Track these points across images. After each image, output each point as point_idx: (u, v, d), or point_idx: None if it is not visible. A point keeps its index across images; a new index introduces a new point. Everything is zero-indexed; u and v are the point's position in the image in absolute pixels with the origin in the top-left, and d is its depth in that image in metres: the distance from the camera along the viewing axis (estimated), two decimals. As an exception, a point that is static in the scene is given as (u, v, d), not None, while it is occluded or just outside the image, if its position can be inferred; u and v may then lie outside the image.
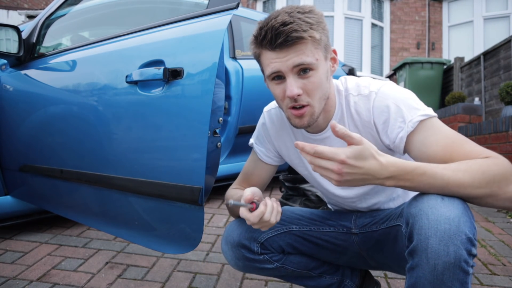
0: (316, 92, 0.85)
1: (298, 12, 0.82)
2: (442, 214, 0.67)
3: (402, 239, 0.84)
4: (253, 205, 0.86)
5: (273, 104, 1.09)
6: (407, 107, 0.83)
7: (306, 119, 0.87)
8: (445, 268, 0.65)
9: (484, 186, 0.70)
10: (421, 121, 0.81)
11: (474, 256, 0.68)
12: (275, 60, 0.83)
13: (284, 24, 0.79)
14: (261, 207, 0.84)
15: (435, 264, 0.66)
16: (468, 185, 0.70)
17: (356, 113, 0.91)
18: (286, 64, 0.82)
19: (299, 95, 0.84)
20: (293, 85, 0.83)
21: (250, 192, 0.88)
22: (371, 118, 0.88)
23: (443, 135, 0.79)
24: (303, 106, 0.86)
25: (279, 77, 0.86)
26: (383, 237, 0.97)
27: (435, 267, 0.66)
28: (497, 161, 0.72)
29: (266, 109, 1.10)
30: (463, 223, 0.67)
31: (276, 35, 0.80)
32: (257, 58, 0.90)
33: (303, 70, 0.83)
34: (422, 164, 0.72)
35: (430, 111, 0.82)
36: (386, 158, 0.71)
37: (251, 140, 1.14)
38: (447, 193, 0.71)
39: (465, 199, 0.72)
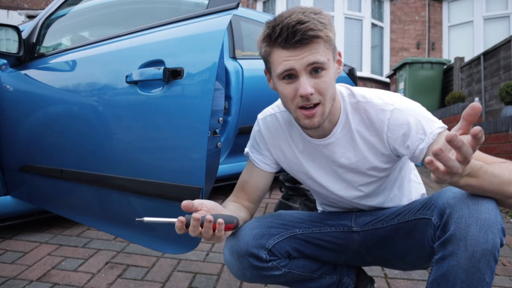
0: (327, 92, 0.85)
1: (311, 12, 0.83)
2: (482, 204, 0.74)
3: (420, 233, 0.89)
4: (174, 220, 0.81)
5: (267, 111, 1.07)
6: (425, 120, 0.88)
7: (317, 119, 0.87)
8: (483, 255, 0.70)
9: None
10: (439, 133, 0.86)
11: (502, 246, 0.74)
12: (289, 58, 0.82)
13: (300, 22, 0.79)
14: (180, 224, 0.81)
15: (474, 251, 0.70)
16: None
17: (367, 118, 0.93)
18: (300, 62, 0.82)
19: (311, 94, 0.84)
20: (306, 84, 0.82)
21: (196, 203, 0.84)
22: (384, 130, 0.91)
23: None
24: (314, 106, 0.85)
25: (290, 76, 0.85)
26: (391, 233, 0.98)
27: (473, 254, 0.71)
28: None
29: (260, 116, 1.08)
30: (499, 214, 0.74)
31: (292, 33, 0.80)
32: (266, 56, 0.88)
33: (315, 70, 0.83)
34: (483, 164, 0.76)
35: (442, 123, 0.89)
36: None
37: (246, 149, 1.11)
38: (500, 192, 0.74)
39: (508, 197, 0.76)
